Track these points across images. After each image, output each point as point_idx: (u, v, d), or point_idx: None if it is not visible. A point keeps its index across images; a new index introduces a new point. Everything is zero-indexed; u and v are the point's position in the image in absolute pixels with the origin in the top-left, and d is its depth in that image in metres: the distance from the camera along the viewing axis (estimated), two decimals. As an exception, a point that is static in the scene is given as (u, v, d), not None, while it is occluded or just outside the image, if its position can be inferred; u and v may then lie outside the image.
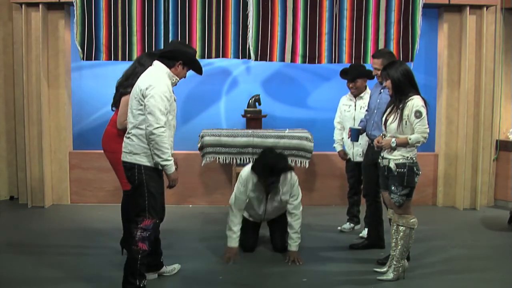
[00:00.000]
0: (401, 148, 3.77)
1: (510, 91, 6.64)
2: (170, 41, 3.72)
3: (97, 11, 5.82)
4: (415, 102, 3.74)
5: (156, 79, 3.42)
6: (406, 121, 3.74)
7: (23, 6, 6.02)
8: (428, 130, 3.74)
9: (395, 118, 3.78)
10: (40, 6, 5.99)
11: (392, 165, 3.80)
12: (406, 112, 3.74)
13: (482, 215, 6.02)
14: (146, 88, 3.37)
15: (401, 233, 3.86)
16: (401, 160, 3.78)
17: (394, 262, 3.90)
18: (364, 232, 4.93)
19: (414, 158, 3.79)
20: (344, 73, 5.09)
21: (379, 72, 4.30)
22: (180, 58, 3.53)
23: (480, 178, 6.32)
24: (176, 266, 4.06)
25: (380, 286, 3.83)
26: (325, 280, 3.95)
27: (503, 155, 6.50)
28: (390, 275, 3.90)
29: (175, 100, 3.58)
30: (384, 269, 4.02)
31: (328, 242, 4.93)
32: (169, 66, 3.52)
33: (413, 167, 3.77)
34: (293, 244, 4.38)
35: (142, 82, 3.43)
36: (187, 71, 3.64)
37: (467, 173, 6.31)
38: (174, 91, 3.61)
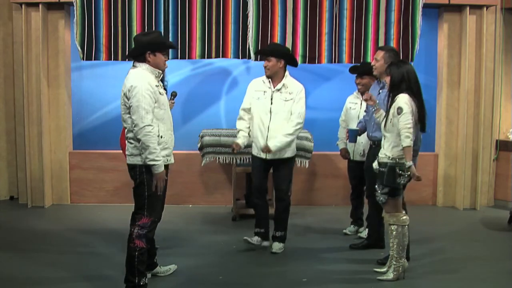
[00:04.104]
0: (386, 146, 3.80)
1: (510, 91, 6.64)
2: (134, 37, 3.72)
3: (97, 11, 5.82)
4: (399, 100, 3.75)
5: (135, 78, 3.42)
6: (391, 119, 3.76)
7: (23, 6, 6.02)
8: (409, 125, 3.68)
9: (384, 117, 3.85)
10: (40, 6, 5.99)
11: (375, 163, 3.86)
12: (391, 110, 3.77)
13: (482, 215, 6.01)
14: (128, 90, 3.39)
15: (394, 232, 3.86)
16: (383, 159, 3.81)
17: (394, 262, 3.90)
18: (364, 233, 4.93)
19: (397, 159, 3.76)
20: (353, 69, 5.09)
21: (377, 64, 4.31)
22: (145, 49, 3.50)
23: (480, 178, 6.32)
24: (172, 267, 4.05)
25: (380, 286, 3.83)
26: (325, 280, 3.95)
27: (503, 155, 6.50)
28: (390, 275, 3.89)
29: (161, 94, 3.54)
30: (384, 269, 4.02)
31: (328, 242, 4.93)
32: (143, 61, 3.51)
33: (394, 167, 3.76)
34: (273, 142, 4.43)
35: (125, 85, 3.45)
36: (163, 55, 3.60)
37: (467, 173, 6.32)
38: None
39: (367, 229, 4.82)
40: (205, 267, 4.20)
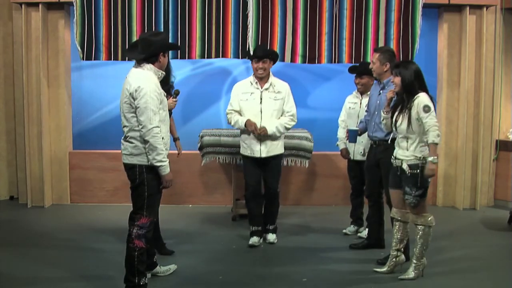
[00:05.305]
0: (412, 147, 3.79)
1: (510, 91, 6.64)
2: (139, 37, 3.68)
3: (97, 11, 5.82)
4: (421, 99, 3.76)
5: (143, 79, 3.41)
6: (415, 119, 3.76)
7: (23, 6, 6.02)
8: (437, 124, 3.74)
9: (404, 119, 3.80)
10: (40, 6, 6.00)
11: (405, 166, 3.81)
12: (414, 110, 3.76)
13: (482, 215, 6.01)
14: (135, 90, 3.37)
15: (420, 232, 3.87)
16: (413, 161, 3.79)
17: (414, 261, 3.92)
18: (364, 232, 4.93)
19: (427, 158, 3.79)
20: (352, 69, 5.10)
21: (374, 66, 4.34)
22: (160, 50, 3.52)
23: (480, 178, 6.32)
24: (172, 267, 4.05)
25: (380, 286, 3.83)
26: (325, 280, 3.94)
27: (503, 155, 6.50)
28: (411, 274, 3.90)
29: (165, 96, 3.58)
30: (385, 269, 4.03)
31: (328, 242, 4.93)
32: (153, 62, 3.51)
33: (425, 167, 3.78)
34: (271, 127, 4.58)
35: (130, 84, 3.41)
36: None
37: (467, 173, 6.32)
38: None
39: (367, 229, 4.82)
40: (205, 267, 4.20)
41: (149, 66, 3.49)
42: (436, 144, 3.73)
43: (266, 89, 4.64)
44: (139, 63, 3.51)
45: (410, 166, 3.79)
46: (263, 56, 4.61)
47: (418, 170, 3.77)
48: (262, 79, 4.65)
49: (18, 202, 6.45)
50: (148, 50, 3.47)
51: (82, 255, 4.44)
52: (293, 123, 4.71)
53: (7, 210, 6.13)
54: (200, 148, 5.75)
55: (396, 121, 3.87)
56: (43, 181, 6.18)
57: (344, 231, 5.18)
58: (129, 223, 3.54)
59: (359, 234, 5.06)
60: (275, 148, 4.67)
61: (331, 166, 6.36)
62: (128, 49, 3.74)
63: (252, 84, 4.68)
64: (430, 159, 3.73)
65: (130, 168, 3.50)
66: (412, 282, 3.87)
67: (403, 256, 4.05)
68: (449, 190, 6.44)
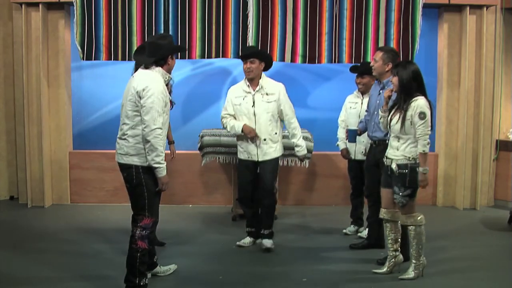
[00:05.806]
0: (403, 147, 3.78)
1: (510, 91, 6.64)
2: (147, 41, 3.72)
3: (97, 11, 5.82)
4: (419, 103, 3.73)
5: (150, 80, 3.43)
6: (409, 121, 3.74)
7: (23, 6, 6.02)
8: (429, 133, 3.74)
9: (398, 119, 3.79)
10: (40, 6, 6.00)
11: (393, 165, 3.80)
12: (409, 112, 3.74)
13: (482, 215, 6.02)
14: (143, 90, 3.38)
15: (412, 233, 3.87)
16: (403, 161, 3.78)
17: (414, 261, 3.91)
18: (364, 232, 4.93)
19: (416, 159, 3.79)
20: (354, 68, 5.09)
21: (376, 64, 4.32)
22: (169, 53, 3.55)
23: (480, 178, 6.32)
24: (172, 267, 4.05)
25: (379, 286, 3.83)
26: (325, 280, 3.95)
27: (503, 155, 6.50)
28: (411, 274, 3.90)
29: (169, 100, 3.61)
30: (384, 269, 4.03)
31: (328, 242, 4.93)
32: (162, 65, 3.54)
33: (415, 168, 3.77)
34: (300, 150, 4.67)
35: (138, 83, 3.43)
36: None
37: (467, 173, 6.32)
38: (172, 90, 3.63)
39: (367, 229, 4.82)
40: (205, 267, 4.20)
41: (157, 69, 3.52)
42: (426, 153, 3.73)
43: (257, 91, 4.54)
44: (147, 66, 3.52)
45: (399, 166, 3.78)
46: (249, 55, 4.52)
47: (406, 170, 3.76)
48: (253, 81, 4.55)
49: (18, 202, 6.45)
50: (157, 54, 3.50)
51: (82, 255, 4.44)
52: (298, 126, 4.67)
53: (7, 210, 6.13)
54: (200, 148, 5.75)
55: (391, 120, 3.87)
56: (43, 181, 6.18)
57: (344, 231, 5.18)
58: (132, 224, 3.54)
59: (359, 234, 5.06)
60: (273, 151, 4.58)
61: (331, 166, 6.36)
62: (135, 52, 3.77)
63: (245, 87, 4.60)
64: (420, 169, 3.74)
65: (126, 169, 3.51)
66: (412, 282, 3.88)
67: (401, 256, 4.05)
68: (449, 190, 6.44)
